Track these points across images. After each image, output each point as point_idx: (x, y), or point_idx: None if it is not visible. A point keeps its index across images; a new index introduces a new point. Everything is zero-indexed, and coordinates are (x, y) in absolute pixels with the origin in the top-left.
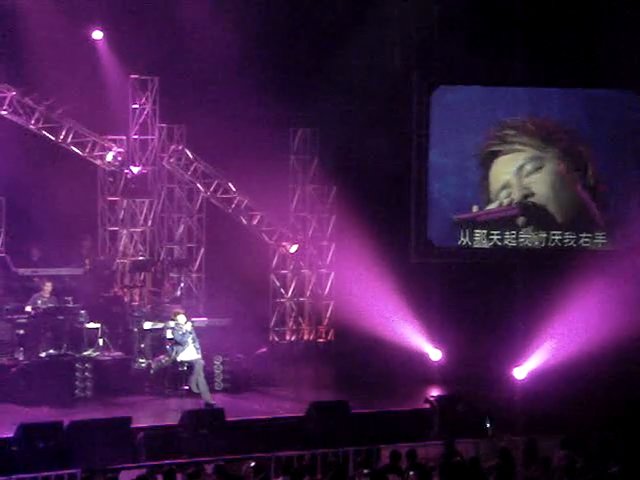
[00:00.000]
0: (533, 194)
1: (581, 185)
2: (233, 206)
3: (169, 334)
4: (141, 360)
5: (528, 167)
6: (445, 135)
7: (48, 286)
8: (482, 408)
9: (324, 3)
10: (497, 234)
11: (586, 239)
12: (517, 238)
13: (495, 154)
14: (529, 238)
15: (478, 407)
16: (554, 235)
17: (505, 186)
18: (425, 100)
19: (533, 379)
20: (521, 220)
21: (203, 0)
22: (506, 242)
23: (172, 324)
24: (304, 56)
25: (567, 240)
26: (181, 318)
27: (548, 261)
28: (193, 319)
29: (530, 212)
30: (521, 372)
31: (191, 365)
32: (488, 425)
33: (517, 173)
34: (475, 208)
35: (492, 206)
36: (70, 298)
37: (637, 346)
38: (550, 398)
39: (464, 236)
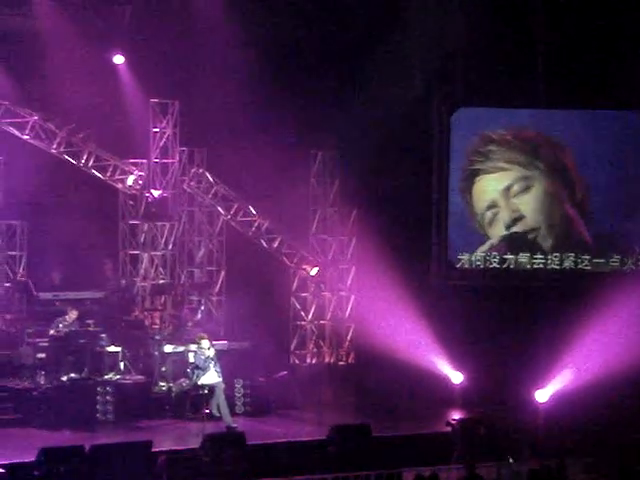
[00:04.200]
0: (523, 217)
1: (569, 202)
2: (253, 229)
3: (191, 358)
4: (162, 384)
5: (516, 187)
6: (463, 156)
7: (73, 313)
8: (504, 431)
9: (345, 25)
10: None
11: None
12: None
13: (478, 172)
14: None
15: (500, 430)
16: (541, 259)
17: (491, 206)
18: (445, 122)
19: (555, 402)
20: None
21: (223, 23)
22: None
23: (194, 347)
24: (325, 79)
25: (564, 263)
26: (205, 343)
27: (569, 283)
28: (214, 342)
29: (516, 244)
30: (543, 395)
31: (212, 388)
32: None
33: (504, 193)
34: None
35: (483, 248)
36: (91, 322)
37: None
38: (572, 421)
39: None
